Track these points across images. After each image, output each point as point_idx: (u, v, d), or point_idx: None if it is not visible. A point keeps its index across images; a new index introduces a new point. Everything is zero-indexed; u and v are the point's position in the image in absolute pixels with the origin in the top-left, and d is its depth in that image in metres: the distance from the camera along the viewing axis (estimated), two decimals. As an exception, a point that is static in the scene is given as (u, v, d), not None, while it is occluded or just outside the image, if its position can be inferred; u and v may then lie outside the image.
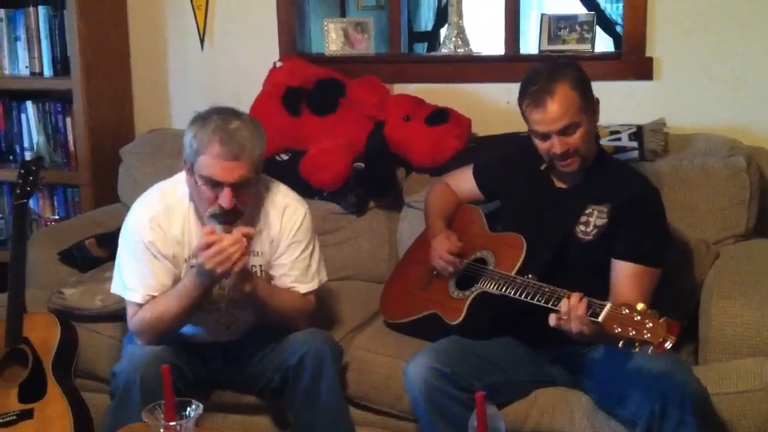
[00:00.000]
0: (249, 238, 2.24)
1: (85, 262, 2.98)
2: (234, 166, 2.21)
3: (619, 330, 1.88)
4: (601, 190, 2.36)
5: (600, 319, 1.94)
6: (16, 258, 2.76)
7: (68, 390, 2.59)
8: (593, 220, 2.34)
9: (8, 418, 2.49)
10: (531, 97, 2.27)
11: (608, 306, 1.95)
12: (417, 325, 2.53)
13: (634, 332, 1.85)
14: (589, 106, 2.31)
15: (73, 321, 2.74)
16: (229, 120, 2.24)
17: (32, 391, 2.55)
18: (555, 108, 2.24)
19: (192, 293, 2.29)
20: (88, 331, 2.74)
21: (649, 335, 1.83)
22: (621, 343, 1.88)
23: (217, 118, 2.24)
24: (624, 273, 2.25)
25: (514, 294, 2.22)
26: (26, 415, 2.50)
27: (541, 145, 2.32)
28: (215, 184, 2.23)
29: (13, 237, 2.83)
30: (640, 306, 1.88)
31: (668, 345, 1.82)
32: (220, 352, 2.50)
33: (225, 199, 2.22)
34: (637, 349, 1.86)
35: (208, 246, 2.19)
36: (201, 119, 2.27)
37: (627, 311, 1.89)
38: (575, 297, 2.03)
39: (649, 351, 1.84)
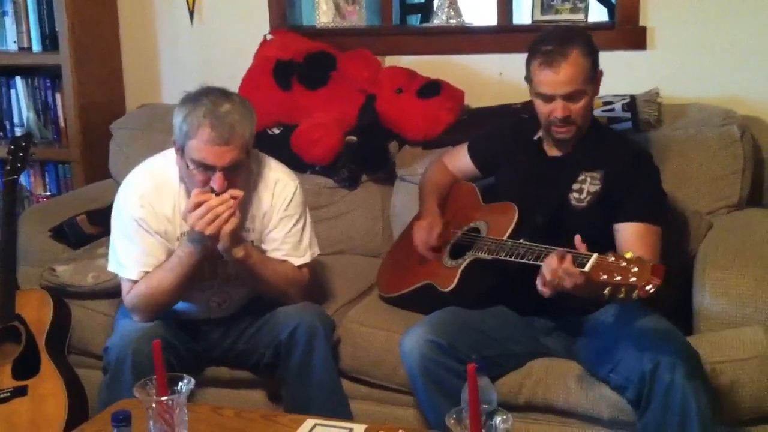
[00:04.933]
0: (237, 199, 2.22)
1: (77, 239, 2.96)
2: (225, 150, 2.19)
3: (605, 277, 1.86)
4: (594, 158, 2.35)
5: (587, 268, 1.92)
6: (7, 235, 2.76)
7: (62, 366, 2.58)
8: (586, 186, 2.33)
9: (2, 395, 2.48)
10: (544, 56, 2.24)
11: (595, 255, 1.93)
12: (412, 297, 2.52)
13: (619, 277, 1.84)
14: (595, 76, 2.30)
15: (65, 298, 2.73)
16: (219, 103, 2.21)
17: (26, 368, 2.55)
18: (567, 71, 2.22)
19: (186, 262, 2.29)
20: (81, 308, 2.73)
21: (634, 279, 1.81)
22: (607, 290, 1.86)
23: (207, 101, 2.21)
24: (630, 234, 2.24)
25: (505, 256, 2.21)
26: (20, 391, 2.50)
27: (543, 108, 2.30)
28: (207, 168, 2.22)
29: (4, 214, 2.81)
30: (628, 254, 1.87)
31: (650, 288, 1.80)
32: (212, 328, 2.50)
33: (217, 182, 2.21)
34: (622, 295, 1.83)
35: (197, 206, 2.19)
36: (191, 101, 2.24)
37: (613, 259, 1.88)
38: (556, 256, 1.99)
39: (634, 294, 1.82)
